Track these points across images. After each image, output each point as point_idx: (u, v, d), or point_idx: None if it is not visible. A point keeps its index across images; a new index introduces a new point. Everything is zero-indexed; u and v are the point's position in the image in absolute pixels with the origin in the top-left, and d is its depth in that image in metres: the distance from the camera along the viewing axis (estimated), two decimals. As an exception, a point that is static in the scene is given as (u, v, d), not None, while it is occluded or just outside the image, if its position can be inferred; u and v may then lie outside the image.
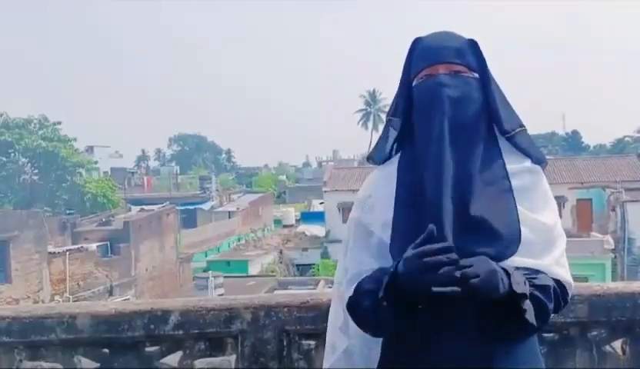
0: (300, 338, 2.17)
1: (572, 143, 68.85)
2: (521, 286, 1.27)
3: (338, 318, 1.58)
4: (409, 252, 1.28)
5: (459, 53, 1.45)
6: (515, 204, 1.41)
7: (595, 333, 2.13)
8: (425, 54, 1.47)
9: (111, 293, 23.18)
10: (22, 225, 20.51)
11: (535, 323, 1.29)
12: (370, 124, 67.75)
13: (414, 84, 1.48)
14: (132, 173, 66.75)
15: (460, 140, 1.39)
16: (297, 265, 32.84)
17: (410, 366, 1.39)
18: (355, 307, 1.43)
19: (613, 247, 23.48)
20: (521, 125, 1.50)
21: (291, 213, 44.25)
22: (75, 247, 23.99)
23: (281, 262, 33.01)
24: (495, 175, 1.43)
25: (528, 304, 1.27)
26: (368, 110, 67.91)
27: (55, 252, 22.31)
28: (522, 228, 1.38)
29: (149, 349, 2.18)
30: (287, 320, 2.15)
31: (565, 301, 1.42)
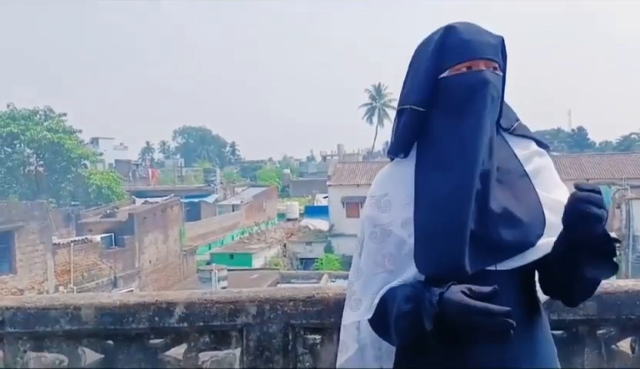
0: (305, 332, 2.15)
1: (578, 140, 68.60)
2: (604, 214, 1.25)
3: (347, 317, 1.54)
4: (458, 299, 1.24)
5: (495, 50, 1.43)
6: (534, 187, 1.41)
7: (603, 331, 2.11)
8: (464, 47, 1.40)
9: (115, 284, 23.28)
10: (27, 216, 20.58)
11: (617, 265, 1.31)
12: (375, 119, 67.73)
13: (446, 74, 1.41)
14: (137, 165, 66.95)
15: (490, 134, 1.39)
16: (300, 259, 32.89)
17: (429, 366, 1.37)
18: (380, 320, 1.40)
19: (618, 244, 23.37)
20: (517, 119, 1.51)
21: (295, 207, 44.30)
22: (80, 238, 24.09)
23: (284, 256, 33.06)
24: (509, 163, 1.43)
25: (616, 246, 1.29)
26: (373, 104, 67.81)
27: (59, 243, 22.42)
28: (545, 211, 1.38)
29: (153, 341, 2.17)
30: (292, 314, 2.13)
31: None
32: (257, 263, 29.66)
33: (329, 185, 35.33)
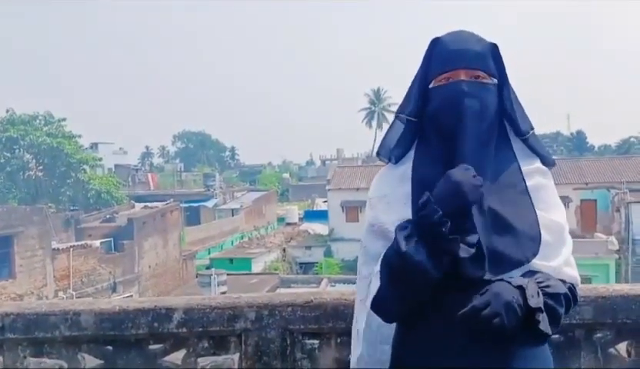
0: (303, 337, 2.17)
1: (577, 143, 68.62)
2: (534, 299, 1.28)
3: (358, 322, 1.60)
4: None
5: (480, 58, 1.44)
6: (533, 205, 1.42)
7: (600, 335, 2.12)
8: (445, 57, 1.44)
9: (114, 289, 23.24)
10: (26, 221, 20.56)
11: (549, 332, 1.29)
12: (374, 123, 67.67)
13: (431, 85, 1.47)
14: (136, 170, 66.89)
15: (477, 144, 1.39)
16: (300, 263, 32.86)
17: (423, 366, 1.38)
18: (387, 278, 1.40)
19: (617, 248, 23.40)
20: (532, 127, 1.51)
21: (294, 211, 44.26)
22: (79, 243, 24.07)
23: (284, 260, 33.02)
24: (512, 177, 1.44)
25: (542, 316, 1.28)
26: (373, 109, 67.83)
27: (58, 248, 22.39)
28: (541, 230, 1.39)
29: (153, 347, 2.18)
30: (290, 319, 2.14)
31: (575, 301, 1.44)
32: (256, 267, 29.62)
33: (329, 189, 35.32)
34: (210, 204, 42.03)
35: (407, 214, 1.42)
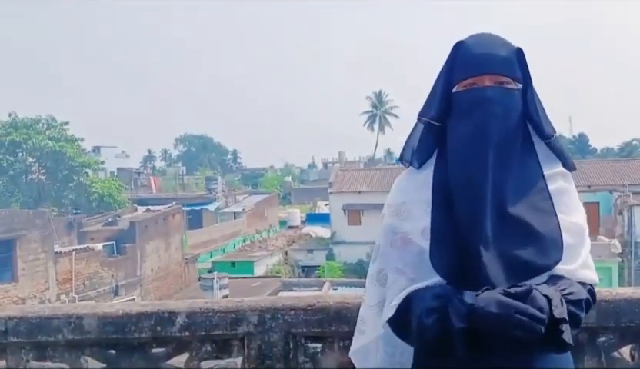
0: (306, 341, 2.16)
1: (579, 146, 68.53)
2: (559, 309, 1.27)
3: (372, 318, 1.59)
4: (499, 297, 1.25)
5: (506, 63, 1.42)
6: (555, 209, 1.41)
7: (603, 338, 2.12)
8: (469, 62, 1.42)
9: (116, 293, 23.26)
10: (29, 225, 20.60)
11: (571, 343, 1.28)
12: (376, 126, 67.73)
13: (455, 90, 1.45)
14: (139, 173, 66.97)
15: (499, 151, 1.38)
16: (302, 266, 32.85)
17: (445, 365, 1.36)
18: (401, 319, 1.41)
19: (620, 251, 23.36)
20: (555, 131, 1.51)
21: (296, 214, 44.29)
22: (81, 246, 24.08)
23: (286, 263, 33.01)
24: (534, 181, 1.43)
25: (566, 327, 1.27)
26: (374, 112, 67.86)
27: (61, 252, 22.40)
28: (563, 234, 1.39)
29: (155, 350, 2.18)
30: (293, 322, 2.14)
31: (594, 301, 1.44)
32: (258, 271, 29.62)
33: (330, 192, 35.32)
34: (212, 207, 42.07)
35: (427, 221, 1.42)
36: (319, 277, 29.21)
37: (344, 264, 31.27)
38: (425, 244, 1.41)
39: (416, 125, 1.54)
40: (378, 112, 67.49)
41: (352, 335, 2.13)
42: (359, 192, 34.11)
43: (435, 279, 1.38)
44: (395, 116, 68.22)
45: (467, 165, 1.39)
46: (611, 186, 28.87)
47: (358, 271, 30.36)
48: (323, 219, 37.62)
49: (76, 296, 20.79)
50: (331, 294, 3.19)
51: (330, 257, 32.59)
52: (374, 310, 1.55)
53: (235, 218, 40.52)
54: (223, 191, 49.14)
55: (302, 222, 42.45)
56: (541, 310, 1.24)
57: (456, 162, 1.41)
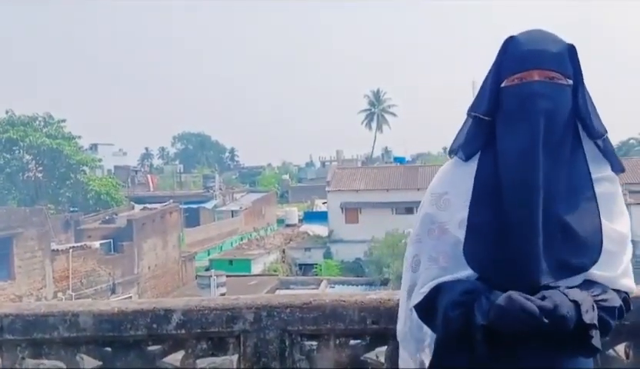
0: (302, 339, 2.17)
1: (577, 145, 68.46)
2: (589, 315, 1.28)
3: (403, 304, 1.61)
4: (512, 293, 1.28)
5: (556, 59, 1.41)
6: (599, 213, 1.41)
7: (598, 336, 2.12)
8: (519, 57, 1.42)
9: (113, 291, 23.24)
10: (26, 222, 20.56)
11: (600, 348, 1.29)
12: (374, 125, 67.78)
13: (504, 85, 1.44)
14: (136, 171, 66.90)
15: (548, 147, 1.37)
16: (299, 265, 32.85)
17: (465, 364, 1.38)
18: (429, 307, 1.43)
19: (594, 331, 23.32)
20: (606, 131, 1.49)
21: (294, 212, 44.26)
22: (78, 244, 24.07)
23: (283, 261, 33.01)
24: (581, 182, 1.42)
25: (595, 333, 1.28)
26: (372, 110, 67.91)
27: (58, 249, 22.39)
28: (604, 239, 1.38)
29: (151, 348, 2.18)
30: (289, 320, 2.15)
31: (628, 309, 1.44)
32: (256, 269, 29.63)
33: (328, 191, 35.31)
34: (209, 205, 42.04)
35: (465, 213, 1.43)
36: (316, 275, 29.25)
37: (341, 263, 31.29)
38: (461, 236, 1.42)
39: (466, 120, 1.54)
40: (376, 110, 67.52)
41: (348, 333, 2.15)
42: (357, 190, 34.12)
43: (467, 272, 1.40)
44: (393, 114, 68.34)
45: (515, 162, 1.38)
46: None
47: (355, 270, 30.39)
48: (321, 217, 37.62)
49: (73, 294, 20.76)
50: (328, 292, 3.18)
51: (327, 255, 32.60)
52: (404, 295, 1.58)
53: (232, 216, 40.49)
54: (221, 189, 49.10)
55: (300, 220, 42.42)
56: (553, 310, 1.25)
57: (506, 160, 1.40)
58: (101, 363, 2.17)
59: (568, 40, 1.46)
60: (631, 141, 60.01)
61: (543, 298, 1.27)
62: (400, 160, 49.25)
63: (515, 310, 1.25)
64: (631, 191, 25.18)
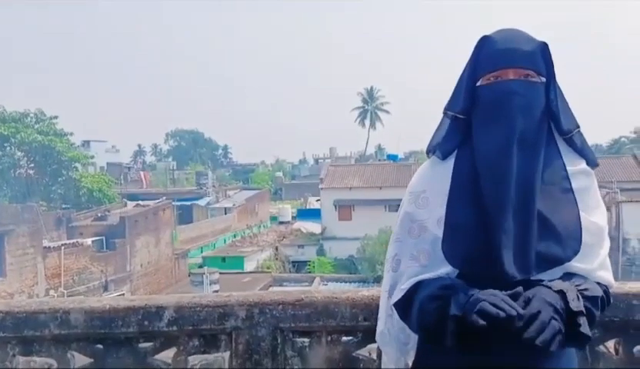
0: (294, 335, 2.17)
1: (568, 143, 68.76)
2: (575, 303, 1.29)
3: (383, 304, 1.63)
4: (490, 290, 1.28)
5: (530, 57, 1.43)
6: (577, 205, 1.43)
7: (588, 333, 2.13)
8: (494, 56, 1.44)
9: (105, 288, 23.15)
10: (17, 219, 20.45)
11: (590, 335, 1.30)
12: (367, 122, 67.79)
13: (479, 83, 1.46)
14: (129, 168, 66.69)
15: (524, 143, 1.39)
16: (293, 262, 32.87)
17: (448, 364, 1.39)
18: (407, 304, 1.44)
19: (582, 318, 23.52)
20: (577, 126, 1.50)
21: (287, 210, 44.30)
22: (71, 241, 23.94)
23: (276, 259, 33.02)
24: (557, 176, 1.44)
25: (583, 320, 1.29)
26: (366, 107, 67.92)
27: (50, 247, 22.26)
28: (583, 232, 1.40)
29: (143, 345, 2.17)
30: (281, 317, 2.15)
31: (609, 303, 1.45)
32: (249, 266, 29.62)
33: (321, 188, 35.36)
34: (202, 202, 41.97)
35: (443, 211, 1.44)
36: (309, 272, 29.27)
37: (334, 260, 31.34)
38: (440, 233, 1.43)
39: (442, 119, 1.55)
40: (370, 108, 67.55)
41: (340, 330, 2.15)
42: (350, 188, 34.18)
43: (447, 269, 1.41)
44: (386, 112, 68.40)
45: (492, 159, 1.40)
46: (599, 183, 28.93)
47: (348, 267, 30.44)
48: (314, 214, 37.66)
49: (65, 291, 20.68)
50: (320, 289, 3.19)
51: (320, 252, 32.64)
52: (385, 295, 1.59)
53: (225, 214, 40.43)
54: (214, 186, 49.04)
55: (293, 218, 42.45)
56: (556, 311, 1.26)
57: (483, 157, 1.42)
58: (92, 360, 2.16)
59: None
60: (623, 139, 60.30)
61: (528, 301, 1.27)
62: (393, 157, 49.37)
63: (493, 313, 1.25)
64: (623, 189, 25.35)
